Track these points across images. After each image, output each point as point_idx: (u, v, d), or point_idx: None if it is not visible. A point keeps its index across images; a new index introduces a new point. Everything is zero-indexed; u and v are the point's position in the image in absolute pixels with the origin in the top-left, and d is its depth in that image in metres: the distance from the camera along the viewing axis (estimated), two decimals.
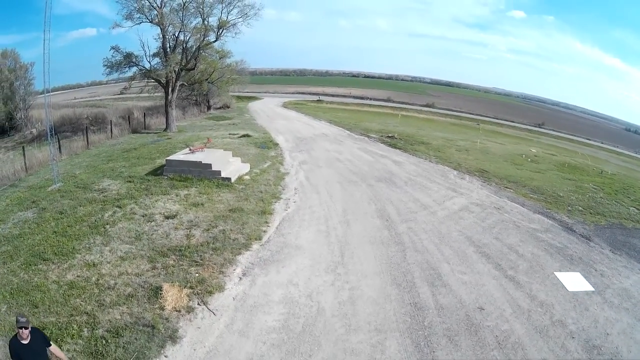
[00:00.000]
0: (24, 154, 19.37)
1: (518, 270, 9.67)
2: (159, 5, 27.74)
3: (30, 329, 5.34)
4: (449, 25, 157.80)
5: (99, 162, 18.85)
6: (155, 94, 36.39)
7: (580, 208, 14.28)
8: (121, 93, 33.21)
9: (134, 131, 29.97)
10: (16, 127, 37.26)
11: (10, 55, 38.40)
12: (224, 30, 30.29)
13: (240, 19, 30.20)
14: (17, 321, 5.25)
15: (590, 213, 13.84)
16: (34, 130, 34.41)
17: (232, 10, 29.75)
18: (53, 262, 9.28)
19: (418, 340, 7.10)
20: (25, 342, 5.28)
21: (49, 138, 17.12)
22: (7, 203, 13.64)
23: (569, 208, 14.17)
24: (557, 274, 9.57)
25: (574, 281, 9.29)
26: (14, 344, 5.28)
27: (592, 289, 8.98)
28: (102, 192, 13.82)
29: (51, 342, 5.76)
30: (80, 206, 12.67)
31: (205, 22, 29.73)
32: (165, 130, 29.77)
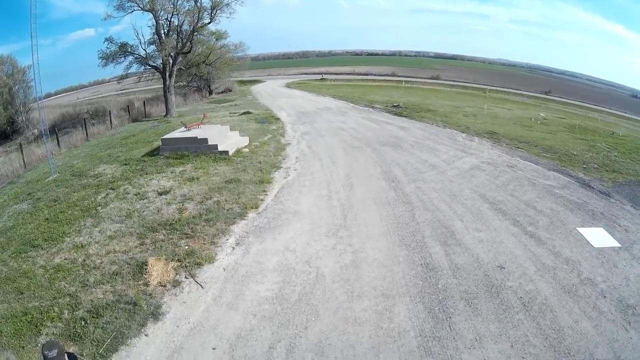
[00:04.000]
0: (21, 152, 18.99)
1: (538, 226, 8.89)
2: None
3: None
4: None
5: (97, 151, 18.37)
6: (155, 86, 35.83)
7: (595, 166, 13.44)
8: (118, 83, 32.66)
9: (135, 120, 29.40)
10: (18, 130, 36.93)
11: (7, 61, 37.84)
12: (218, 11, 29.44)
13: None
14: (45, 358, 3.48)
15: (607, 170, 12.99)
16: (36, 131, 34.02)
17: None
18: (42, 248, 8.80)
19: (432, 305, 6.34)
20: None
21: (43, 131, 16.62)
22: (5, 199, 13.23)
23: (584, 166, 13.35)
24: (580, 229, 8.77)
25: (599, 237, 8.52)
26: None
27: (619, 245, 8.18)
28: (97, 177, 13.35)
29: None
30: (74, 192, 12.19)
31: (198, 4, 28.98)
32: (165, 116, 29.21)
